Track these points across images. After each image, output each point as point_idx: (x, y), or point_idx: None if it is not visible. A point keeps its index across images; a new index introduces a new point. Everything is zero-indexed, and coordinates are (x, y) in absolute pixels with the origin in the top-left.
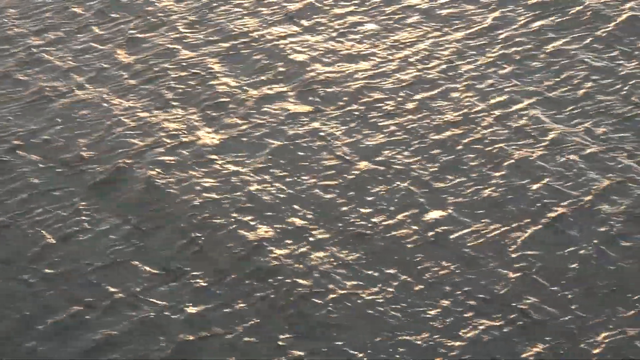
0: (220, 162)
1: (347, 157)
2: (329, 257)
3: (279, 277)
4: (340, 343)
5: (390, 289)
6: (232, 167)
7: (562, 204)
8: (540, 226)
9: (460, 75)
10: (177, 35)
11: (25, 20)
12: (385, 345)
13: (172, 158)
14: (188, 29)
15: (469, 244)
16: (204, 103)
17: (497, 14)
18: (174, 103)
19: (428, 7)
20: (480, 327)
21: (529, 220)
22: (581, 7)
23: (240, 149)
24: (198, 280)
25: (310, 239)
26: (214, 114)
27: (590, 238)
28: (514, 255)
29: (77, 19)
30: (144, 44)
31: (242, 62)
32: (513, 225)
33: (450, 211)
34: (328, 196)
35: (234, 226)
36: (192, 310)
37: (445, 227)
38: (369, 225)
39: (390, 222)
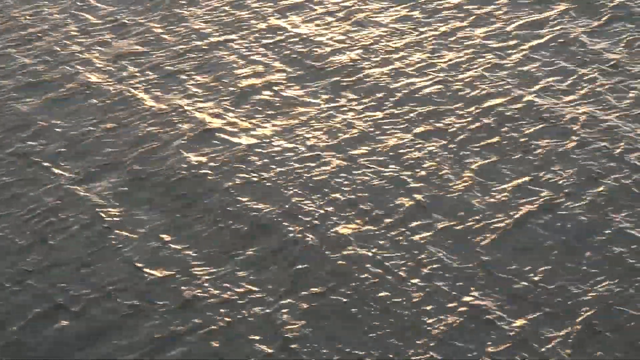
0: (195, 161)
1: (319, 152)
2: (303, 255)
3: (255, 277)
4: (312, 341)
5: (361, 287)
6: (204, 169)
7: (533, 202)
8: (510, 224)
9: (437, 71)
10: (153, 33)
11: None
12: (354, 343)
13: (148, 158)
14: (163, 28)
15: (439, 241)
16: (179, 101)
17: (477, 10)
18: (151, 102)
19: (412, 2)
20: (449, 326)
21: (499, 218)
22: (560, 6)
23: (207, 149)
24: (172, 280)
25: (281, 235)
26: (192, 111)
27: (560, 237)
28: (483, 253)
29: (50, 18)
30: (118, 42)
31: (218, 60)
32: (483, 223)
33: (420, 207)
34: (300, 191)
35: (212, 227)
36: (166, 308)
37: (415, 223)
38: (341, 220)
39: (362, 217)
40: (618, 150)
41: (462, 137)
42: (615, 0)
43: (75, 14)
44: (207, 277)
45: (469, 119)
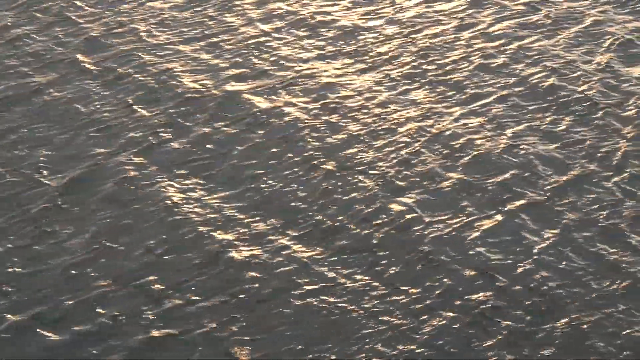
0: (184, 171)
1: (313, 155)
2: (287, 257)
3: (237, 281)
4: (298, 343)
5: (350, 286)
6: (195, 178)
7: (519, 200)
8: (496, 223)
9: (423, 74)
10: (139, 37)
11: None
12: (343, 344)
13: (134, 165)
14: (148, 32)
15: (427, 240)
16: (168, 107)
17: (460, 16)
18: (138, 107)
19: (393, 10)
20: (438, 324)
21: (486, 217)
22: (542, 11)
23: (205, 155)
24: (155, 287)
25: (271, 240)
26: (178, 118)
27: (545, 235)
28: (471, 252)
29: (38, 20)
30: (105, 47)
31: (206, 63)
32: (470, 222)
33: (410, 207)
34: (290, 196)
35: (193, 234)
36: (148, 315)
37: (405, 223)
38: (331, 222)
39: (352, 219)
40: (601, 151)
41: (447, 137)
42: (597, 7)
43: (64, 14)
44: (189, 284)
45: (454, 119)
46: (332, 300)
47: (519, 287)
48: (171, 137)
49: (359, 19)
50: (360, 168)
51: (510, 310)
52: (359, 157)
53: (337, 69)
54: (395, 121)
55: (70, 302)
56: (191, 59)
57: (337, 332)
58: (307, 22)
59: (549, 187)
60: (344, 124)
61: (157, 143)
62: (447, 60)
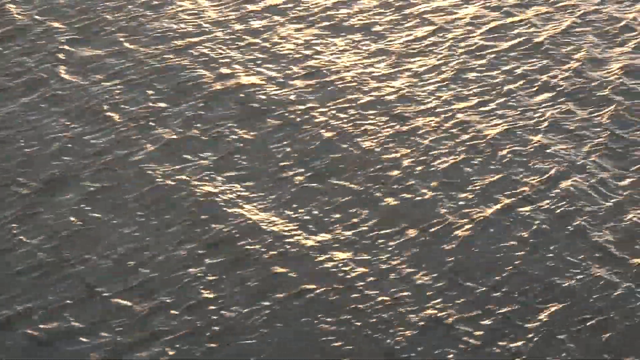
0: (157, 173)
1: (290, 163)
2: (259, 262)
3: (212, 285)
4: (271, 347)
5: (325, 291)
6: (169, 181)
7: (491, 205)
8: (470, 227)
9: (402, 73)
10: (114, 42)
11: None
12: (318, 349)
13: (102, 176)
14: (124, 36)
15: (405, 246)
16: (139, 116)
17: (442, 18)
18: (108, 115)
19: (375, 10)
20: (408, 329)
21: (459, 221)
22: (525, 13)
23: (173, 160)
24: (118, 299)
25: (244, 245)
26: (161, 118)
27: (518, 239)
28: (448, 257)
29: (22, 20)
30: (80, 52)
31: (196, 59)
32: (449, 226)
33: (386, 214)
34: (269, 200)
35: (168, 238)
36: (119, 320)
37: (379, 230)
38: (310, 225)
39: (333, 222)
40: (581, 152)
41: (427, 143)
42: (579, 7)
43: (41, 18)
44: (167, 289)
45: (434, 125)
46: (306, 305)
47: (497, 292)
48: (139, 146)
49: (344, 19)
50: (339, 172)
51: (487, 314)
52: (339, 160)
53: (323, 68)
54: (376, 124)
55: (38, 308)
56: (181, 56)
57: (311, 337)
58: (288, 23)
59: (528, 191)
60: (327, 124)
61: (138, 146)
62: (426, 66)
